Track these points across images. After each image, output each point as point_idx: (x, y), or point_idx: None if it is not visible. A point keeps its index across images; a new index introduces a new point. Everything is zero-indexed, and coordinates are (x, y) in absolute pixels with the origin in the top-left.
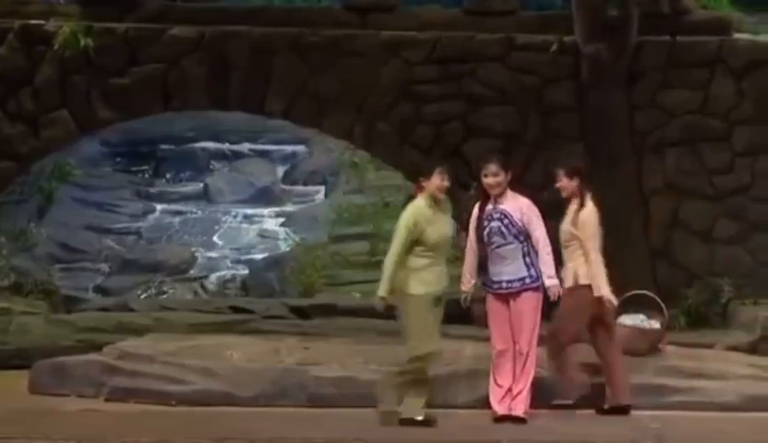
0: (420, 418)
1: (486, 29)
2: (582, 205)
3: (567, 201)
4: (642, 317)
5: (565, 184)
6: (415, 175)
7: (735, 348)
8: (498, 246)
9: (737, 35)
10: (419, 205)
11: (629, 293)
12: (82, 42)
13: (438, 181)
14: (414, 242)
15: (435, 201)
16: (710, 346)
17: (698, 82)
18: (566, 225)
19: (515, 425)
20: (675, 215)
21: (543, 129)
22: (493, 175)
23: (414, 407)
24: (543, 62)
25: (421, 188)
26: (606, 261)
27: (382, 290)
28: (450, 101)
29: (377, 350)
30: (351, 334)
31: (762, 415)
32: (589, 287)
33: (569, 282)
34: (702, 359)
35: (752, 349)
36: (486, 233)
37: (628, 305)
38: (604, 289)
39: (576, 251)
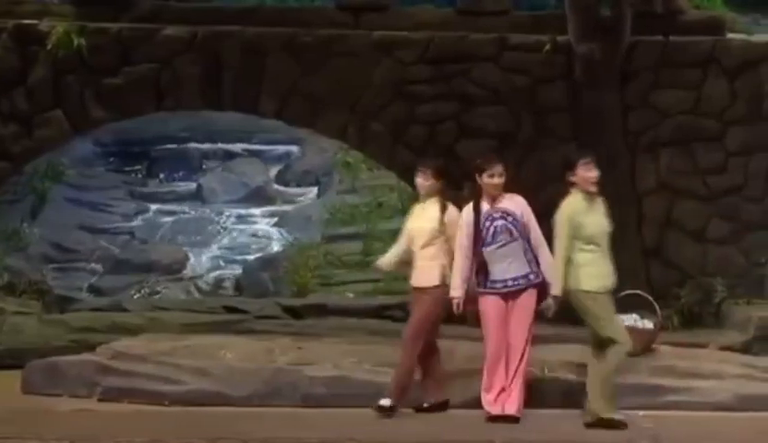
0: (618, 418)
1: (480, 29)
2: (444, 205)
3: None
4: (635, 316)
5: (431, 183)
6: (408, 175)
7: (728, 348)
8: (503, 245)
9: (730, 35)
10: (572, 200)
11: (622, 293)
12: (76, 42)
13: (583, 172)
14: (574, 237)
15: (587, 193)
16: (703, 346)
17: (691, 82)
18: (428, 224)
19: (508, 425)
20: (668, 215)
21: (536, 129)
22: (499, 175)
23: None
24: (536, 62)
25: (572, 184)
26: None
27: (555, 289)
28: (444, 101)
29: (370, 350)
30: (344, 334)
31: (757, 415)
32: (447, 286)
33: (433, 281)
34: (696, 359)
35: (746, 349)
36: (490, 232)
37: (621, 305)
38: (457, 291)
39: (440, 250)
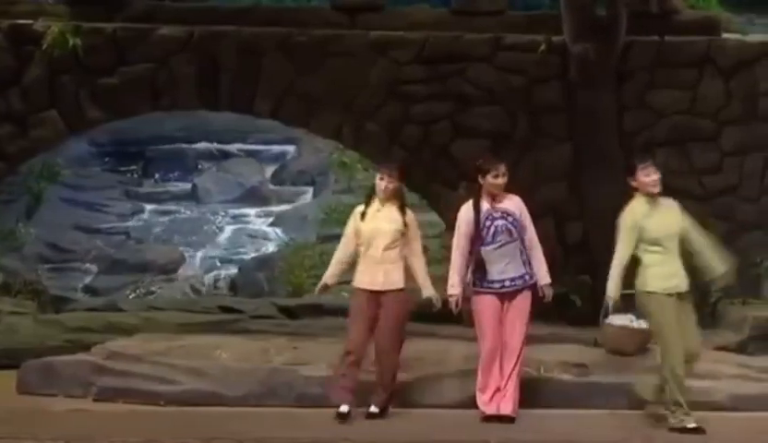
0: (691, 426)
1: (475, 28)
2: (403, 206)
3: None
4: (630, 316)
5: (396, 184)
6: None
7: (724, 348)
8: (502, 245)
9: (725, 35)
10: (634, 204)
11: None
12: (71, 42)
13: (643, 177)
14: (640, 240)
15: (649, 196)
16: None
17: (686, 82)
18: (391, 225)
19: (503, 425)
20: None
21: (531, 129)
22: (503, 175)
23: (683, 415)
24: (531, 62)
25: (634, 188)
26: (596, 261)
27: (610, 290)
28: (439, 100)
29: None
30: (339, 334)
31: (752, 415)
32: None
33: (399, 284)
34: None
35: (741, 349)
36: (490, 232)
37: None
38: (431, 290)
39: (401, 252)
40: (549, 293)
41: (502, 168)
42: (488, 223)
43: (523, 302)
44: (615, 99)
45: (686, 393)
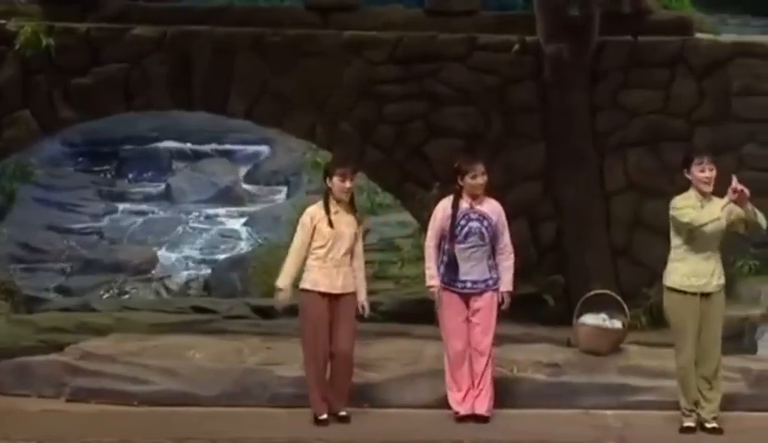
0: (686, 425)
1: (448, 29)
2: (355, 208)
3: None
4: (603, 316)
5: (351, 185)
6: (378, 175)
7: None
8: (472, 247)
9: (698, 35)
10: (684, 196)
11: (590, 293)
12: (44, 42)
13: (697, 172)
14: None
15: (700, 193)
16: (671, 346)
17: (659, 82)
18: (350, 228)
19: (477, 425)
20: (636, 214)
21: (505, 129)
22: (482, 175)
23: (682, 415)
24: (505, 62)
25: (688, 181)
26: (569, 260)
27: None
28: (412, 100)
29: None
30: None
31: (723, 414)
32: None
33: (352, 287)
34: (664, 358)
35: None
36: (463, 232)
37: (589, 305)
38: (363, 295)
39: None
40: (507, 300)
41: (480, 168)
42: (463, 222)
43: (488, 303)
44: (588, 99)
45: (689, 393)
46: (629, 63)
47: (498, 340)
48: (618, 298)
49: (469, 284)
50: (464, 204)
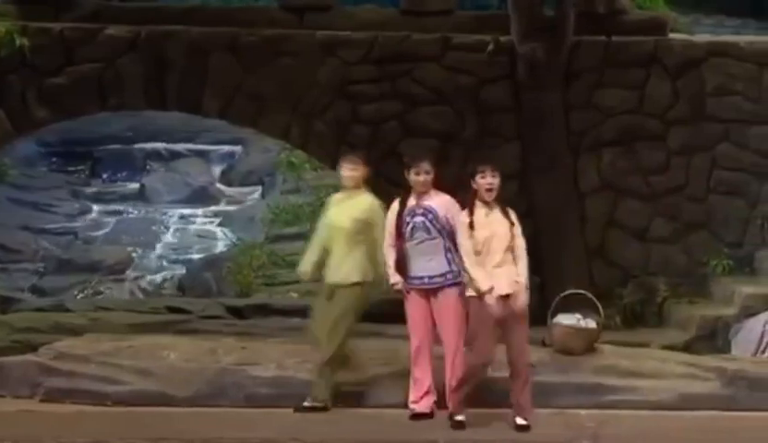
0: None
1: (423, 28)
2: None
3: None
4: (577, 316)
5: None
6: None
7: (670, 347)
8: (420, 242)
9: (672, 35)
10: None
11: (564, 292)
12: (18, 42)
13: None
14: None
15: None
16: (645, 345)
17: (634, 82)
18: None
19: (452, 424)
20: (611, 214)
21: (480, 129)
22: (425, 173)
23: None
24: (479, 62)
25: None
26: (544, 260)
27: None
28: (387, 100)
29: (313, 350)
30: (287, 334)
31: (697, 414)
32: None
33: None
34: (638, 358)
35: (688, 348)
36: (409, 228)
37: (563, 305)
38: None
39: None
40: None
41: (424, 166)
42: (408, 220)
43: (449, 299)
44: (562, 98)
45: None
46: (603, 63)
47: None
48: (593, 298)
49: (426, 279)
50: (411, 202)
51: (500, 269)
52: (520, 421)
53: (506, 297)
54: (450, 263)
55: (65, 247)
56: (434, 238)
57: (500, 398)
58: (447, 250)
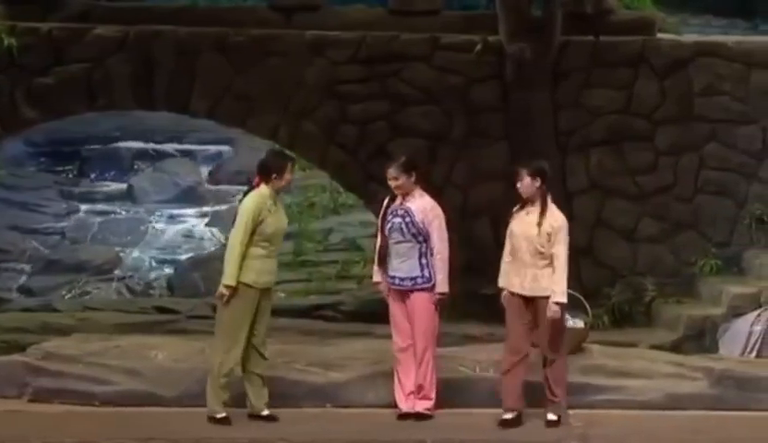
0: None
1: (411, 28)
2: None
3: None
4: (565, 316)
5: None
6: (340, 175)
7: (658, 347)
8: (396, 243)
9: (660, 35)
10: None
11: None
12: (6, 42)
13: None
14: None
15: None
16: (633, 345)
17: (622, 82)
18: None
19: (439, 424)
20: (598, 214)
21: (468, 129)
22: (393, 179)
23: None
24: (467, 62)
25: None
26: None
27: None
28: (376, 100)
29: (300, 349)
30: (275, 334)
31: (686, 414)
32: None
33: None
34: (626, 358)
35: (675, 347)
36: (387, 227)
37: None
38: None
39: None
40: (442, 302)
41: (391, 172)
42: (389, 218)
43: (418, 304)
44: (550, 98)
45: None
46: (591, 63)
47: (461, 340)
48: (581, 298)
49: (397, 280)
50: (398, 201)
51: (528, 269)
52: (550, 416)
53: (529, 299)
54: (422, 268)
55: (53, 247)
56: (408, 241)
57: (487, 398)
58: (421, 255)
